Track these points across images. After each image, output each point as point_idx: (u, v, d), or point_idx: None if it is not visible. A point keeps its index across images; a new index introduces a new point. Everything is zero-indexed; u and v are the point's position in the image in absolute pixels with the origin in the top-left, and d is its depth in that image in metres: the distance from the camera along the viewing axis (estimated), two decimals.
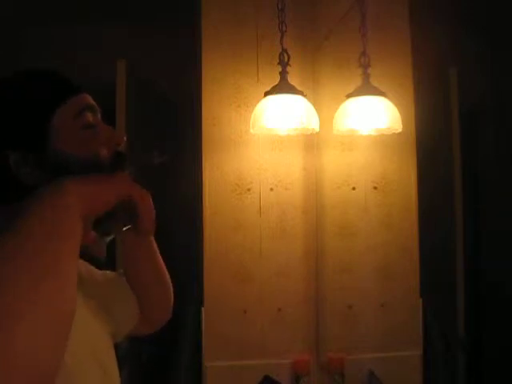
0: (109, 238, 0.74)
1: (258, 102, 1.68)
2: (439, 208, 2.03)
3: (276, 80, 1.65)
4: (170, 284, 1.00)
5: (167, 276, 0.99)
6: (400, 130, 1.70)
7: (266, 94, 1.66)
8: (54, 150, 0.75)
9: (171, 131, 2.02)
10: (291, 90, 1.64)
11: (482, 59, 2.09)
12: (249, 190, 1.81)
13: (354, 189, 1.85)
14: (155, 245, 0.95)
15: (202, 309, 1.77)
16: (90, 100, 0.82)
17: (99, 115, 0.83)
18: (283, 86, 1.64)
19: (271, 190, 1.82)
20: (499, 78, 2.12)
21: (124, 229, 0.76)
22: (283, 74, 1.65)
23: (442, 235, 2.05)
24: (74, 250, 0.56)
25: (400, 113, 1.69)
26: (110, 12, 1.98)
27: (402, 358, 1.83)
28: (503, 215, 2.05)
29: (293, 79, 1.66)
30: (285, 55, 1.65)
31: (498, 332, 2.01)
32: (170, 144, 2.06)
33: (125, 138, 0.83)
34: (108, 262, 0.89)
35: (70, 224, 0.57)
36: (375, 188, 1.85)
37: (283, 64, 1.65)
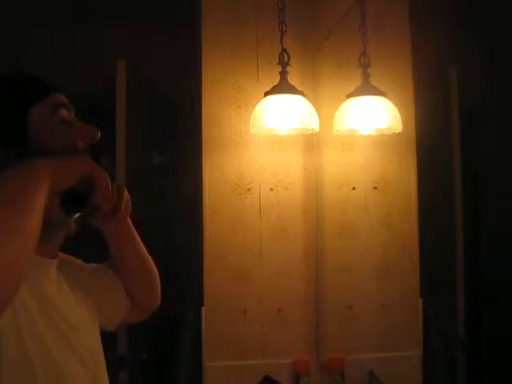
0: (74, 216, 0.80)
1: (258, 102, 1.68)
2: (439, 208, 2.03)
3: (276, 80, 1.65)
4: (155, 269, 1.06)
5: (151, 262, 1.05)
6: (400, 130, 1.70)
7: (266, 93, 1.66)
8: (33, 142, 0.79)
9: (171, 131, 2.02)
10: (291, 90, 1.64)
11: (482, 59, 2.09)
12: (249, 190, 1.81)
13: (354, 189, 1.84)
14: (135, 232, 0.99)
15: (202, 309, 1.77)
16: (63, 99, 0.86)
17: (73, 114, 0.86)
18: (283, 86, 1.64)
19: (271, 190, 1.82)
20: (499, 78, 2.12)
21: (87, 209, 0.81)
22: (283, 74, 1.65)
23: (442, 235, 2.05)
24: (39, 203, 0.66)
25: (400, 113, 1.69)
26: (110, 12, 1.98)
27: (402, 358, 1.83)
28: (503, 215, 2.05)
29: (293, 79, 1.66)
30: (285, 55, 1.65)
31: (498, 332, 2.01)
32: (169, 144, 2.06)
33: (99, 133, 0.85)
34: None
35: (38, 183, 0.67)
36: (375, 188, 1.85)
37: (283, 64, 1.65)
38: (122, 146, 1.87)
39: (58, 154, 0.79)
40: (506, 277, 2.00)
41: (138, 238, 1.01)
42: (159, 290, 1.08)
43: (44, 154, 0.76)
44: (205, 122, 1.80)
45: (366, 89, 1.68)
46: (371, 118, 1.68)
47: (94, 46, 1.95)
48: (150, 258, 1.05)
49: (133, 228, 0.98)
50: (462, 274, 2.02)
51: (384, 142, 1.82)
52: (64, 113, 0.83)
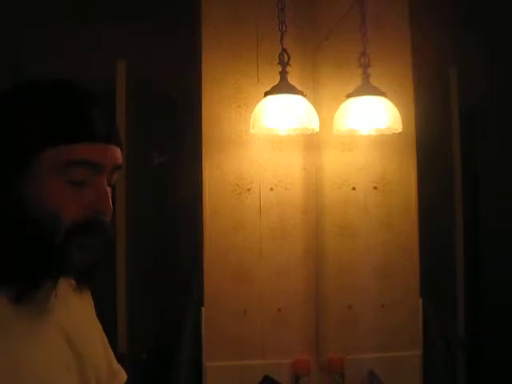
0: None
1: (258, 102, 1.68)
2: (439, 208, 2.03)
3: (276, 80, 1.65)
4: None
5: None
6: (400, 130, 1.70)
7: (266, 93, 1.66)
8: (24, 187, 0.69)
9: (171, 131, 2.02)
10: (291, 90, 1.64)
11: (482, 59, 2.09)
12: (249, 189, 1.81)
13: (354, 189, 1.84)
14: None
15: (202, 309, 1.77)
16: (100, 154, 0.72)
17: (107, 179, 0.74)
18: (283, 86, 1.64)
19: (271, 189, 1.82)
20: (499, 78, 2.12)
21: None
22: (283, 74, 1.65)
23: (442, 235, 2.05)
24: None
25: (400, 113, 1.69)
26: (110, 12, 1.98)
27: (402, 358, 1.83)
28: (503, 215, 2.05)
29: (293, 79, 1.66)
30: (285, 55, 1.65)
31: (498, 332, 2.01)
32: (169, 144, 2.06)
33: (110, 208, 0.73)
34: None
35: None
36: (375, 188, 1.85)
37: (283, 64, 1.65)
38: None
39: (29, 225, 0.69)
40: (506, 277, 2.00)
41: None
42: None
43: (17, 210, 0.69)
44: (205, 122, 1.80)
45: (366, 89, 1.68)
46: (371, 118, 1.68)
47: (94, 46, 1.95)
48: None
49: None
50: (462, 273, 2.02)
51: (384, 142, 1.82)
52: (80, 173, 0.70)
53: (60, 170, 0.70)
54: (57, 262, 0.71)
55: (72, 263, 0.72)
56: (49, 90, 0.73)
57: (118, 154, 0.75)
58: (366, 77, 1.69)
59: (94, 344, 0.87)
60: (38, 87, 0.73)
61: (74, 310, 0.85)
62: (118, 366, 0.98)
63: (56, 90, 0.73)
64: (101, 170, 0.73)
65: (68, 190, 0.70)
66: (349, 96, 1.70)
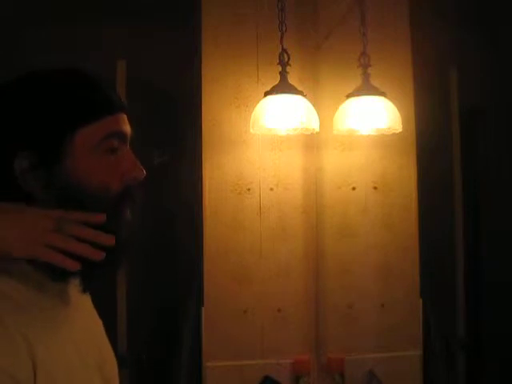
0: None
1: (258, 102, 1.68)
2: (439, 208, 2.03)
3: (276, 80, 1.65)
4: None
5: None
6: (400, 129, 1.70)
7: (266, 93, 1.66)
8: (66, 169, 0.72)
9: (171, 131, 2.02)
10: (291, 90, 1.64)
11: (482, 59, 2.09)
12: (249, 189, 1.81)
13: (354, 189, 1.84)
14: None
15: (202, 309, 1.77)
16: (124, 125, 0.77)
17: (128, 143, 0.79)
18: (283, 86, 1.64)
19: (271, 189, 1.82)
20: (499, 78, 2.12)
21: None
22: (283, 74, 1.65)
23: (442, 235, 2.05)
24: None
25: (400, 113, 1.69)
26: (110, 12, 1.98)
27: (402, 358, 1.83)
28: (503, 215, 2.06)
29: (293, 79, 1.66)
30: (285, 55, 1.65)
31: (498, 332, 2.01)
32: (169, 144, 2.06)
33: (144, 173, 0.78)
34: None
35: None
36: (375, 188, 1.85)
37: (283, 64, 1.65)
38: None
39: (88, 198, 0.72)
40: (506, 277, 2.00)
41: None
42: None
43: (70, 190, 0.72)
44: (205, 122, 1.80)
45: (366, 89, 1.68)
46: (371, 118, 1.68)
47: (94, 46, 1.95)
48: None
49: None
50: (462, 273, 2.02)
51: (384, 142, 1.82)
52: (114, 142, 0.75)
53: (96, 145, 0.73)
54: (111, 230, 0.73)
55: (122, 229, 0.76)
56: (64, 75, 0.76)
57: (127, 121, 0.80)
58: (366, 77, 1.69)
59: (107, 343, 0.87)
60: (56, 75, 0.76)
61: (85, 306, 0.86)
62: None
63: (69, 74, 0.76)
64: (125, 139, 0.77)
65: (106, 162, 0.74)
66: (349, 96, 1.70)
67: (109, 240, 0.72)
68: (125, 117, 0.78)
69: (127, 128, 0.78)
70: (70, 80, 0.75)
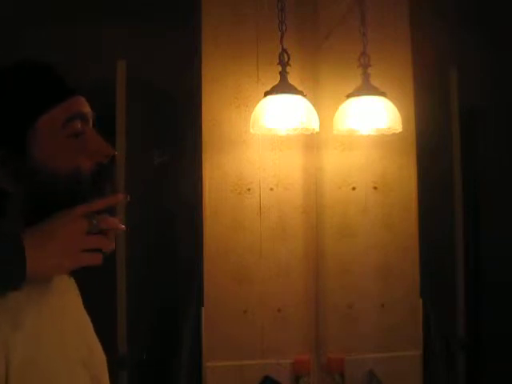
0: None
1: (258, 102, 1.68)
2: (439, 208, 2.03)
3: (276, 80, 1.65)
4: None
5: None
6: (400, 129, 1.70)
7: (266, 93, 1.66)
8: (34, 158, 0.73)
9: (171, 131, 2.02)
10: (291, 90, 1.64)
11: (482, 59, 2.09)
12: (249, 189, 1.81)
13: (354, 189, 1.84)
14: None
15: (202, 309, 1.77)
16: (83, 106, 0.78)
17: (91, 123, 0.79)
18: (283, 86, 1.64)
19: (271, 189, 1.82)
20: (499, 77, 2.12)
21: None
22: (283, 74, 1.65)
23: (442, 235, 2.05)
24: None
25: (400, 113, 1.69)
26: (110, 12, 1.98)
27: (402, 358, 1.83)
28: (503, 215, 2.06)
29: (293, 79, 1.66)
30: (285, 55, 1.65)
31: (498, 332, 2.01)
32: (169, 144, 2.06)
33: (114, 150, 0.79)
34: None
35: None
36: (375, 188, 1.85)
37: (283, 64, 1.65)
38: (122, 146, 1.87)
39: (62, 180, 0.73)
40: (506, 277, 2.00)
41: None
42: None
43: (43, 176, 0.72)
44: (205, 122, 1.80)
45: (366, 89, 1.68)
46: (371, 118, 1.68)
47: (94, 46, 1.95)
48: None
49: None
50: (462, 274, 2.02)
51: (384, 142, 1.82)
52: (77, 125, 0.76)
53: (59, 130, 0.74)
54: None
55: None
56: (14, 69, 0.77)
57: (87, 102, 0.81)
58: (366, 77, 1.69)
59: (96, 341, 0.87)
60: (6, 71, 0.77)
61: (72, 300, 0.86)
62: None
63: (19, 67, 0.78)
64: (87, 119, 0.78)
65: (72, 145, 0.75)
66: (349, 96, 1.70)
67: (122, 226, 0.75)
68: (81, 99, 0.78)
69: (87, 109, 0.79)
70: (21, 72, 0.76)
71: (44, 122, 0.74)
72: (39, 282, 0.75)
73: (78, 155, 0.75)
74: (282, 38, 1.66)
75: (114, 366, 1.76)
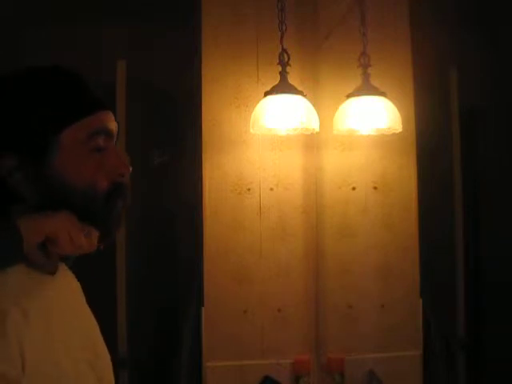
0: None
1: (258, 102, 1.68)
2: (439, 208, 2.03)
3: (276, 80, 1.65)
4: None
5: None
6: (400, 129, 1.70)
7: (266, 93, 1.66)
8: (52, 169, 0.73)
9: (171, 131, 2.02)
10: (291, 90, 1.64)
11: (482, 59, 2.09)
12: (249, 189, 1.81)
13: (354, 189, 1.84)
14: None
15: (202, 309, 1.77)
16: (109, 121, 0.78)
17: (115, 139, 0.80)
18: (283, 86, 1.64)
19: (271, 189, 1.82)
20: (499, 77, 2.12)
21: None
22: (283, 74, 1.65)
23: (442, 235, 2.05)
24: None
25: (400, 113, 1.69)
26: (110, 12, 1.98)
27: (402, 358, 1.83)
28: (503, 215, 2.06)
29: (293, 79, 1.66)
30: (285, 55, 1.65)
31: (498, 332, 2.01)
32: (170, 144, 2.06)
33: (130, 169, 0.79)
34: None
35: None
36: (375, 188, 1.85)
37: (283, 64, 1.65)
38: (122, 146, 1.87)
39: (77, 195, 0.74)
40: (505, 277, 2.00)
41: None
42: None
43: (59, 188, 0.73)
44: (205, 122, 1.80)
45: (366, 89, 1.68)
46: (371, 118, 1.68)
47: (94, 46, 1.95)
48: None
49: None
50: (462, 274, 2.02)
51: (384, 142, 1.82)
52: (100, 140, 0.76)
53: (82, 143, 0.74)
54: (100, 227, 0.77)
55: (111, 235, 0.80)
56: (45, 75, 0.77)
57: (113, 117, 0.80)
58: (366, 77, 1.69)
59: (102, 341, 0.87)
60: (38, 74, 0.76)
61: (77, 298, 0.87)
62: None
63: (52, 73, 0.77)
64: (112, 135, 0.78)
65: (94, 160, 0.75)
66: (349, 96, 1.70)
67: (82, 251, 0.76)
68: (109, 114, 0.78)
69: (113, 125, 0.78)
70: (53, 80, 0.76)
71: (68, 134, 0.74)
72: (50, 283, 0.76)
73: (96, 172, 0.75)
74: (282, 37, 1.66)
75: (115, 365, 1.75)
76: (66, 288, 0.82)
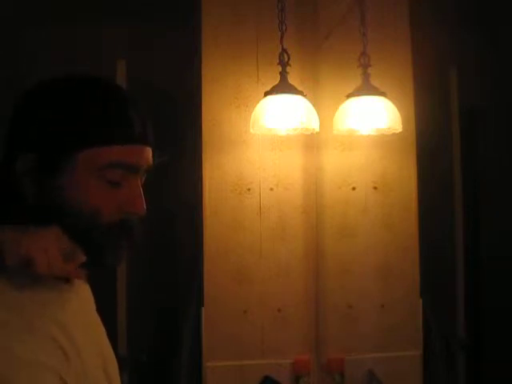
0: None
1: (258, 102, 1.68)
2: (439, 208, 2.03)
3: (276, 80, 1.65)
4: None
5: None
6: (400, 129, 1.70)
7: (266, 93, 1.66)
8: (61, 182, 0.71)
9: (171, 131, 2.02)
10: (291, 90, 1.64)
11: (482, 59, 2.09)
12: (249, 189, 1.81)
13: (354, 189, 1.84)
14: None
15: (202, 309, 1.77)
16: (136, 158, 0.74)
17: (142, 177, 0.77)
18: (283, 86, 1.64)
19: (271, 189, 1.82)
20: (499, 78, 2.12)
21: None
22: (283, 74, 1.65)
23: (442, 235, 2.05)
24: None
25: (400, 113, 1.69)
26: (110, 12, 1.98)
27: (402, 358, 1.83)
28: (503, 215, 2.06)
29: (293, 79, 1.66)
30: (285, 55, 1.65)
31: (498, 332, 2.01)
32: (170, 144, 2.06)
33: (144, 210, 0.75)
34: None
35: None
36: (375, 188, 1.85)
37: (283, 64, 1.65)
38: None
39: (77, 219, 0.71)
40: (505, 277, 2.00)
41: None
42: None
43: (60, 206, 0.71)
44: (205, 122, 1.80)
45: (366, 89, 1.68)
46: (371, 118, 1.68)
47: (94, 46, 1.95)
48: None
49: None
50: (462, 274, 2.02)
51: (384, 142, 1.82)
52: (114, 174, 0.72)
53: (98, 170, 0.71)
54: (93, 256, 0.73)
55: (106, 264, 0.76)
56: (87, 88, 0.74)
57: (150, 154, 0.78)
58: (366, 77, 1.69)
59: (108, 343, 0.87)
60: (77, 85, 0.74)
61: (84, 303, 0.86)
62: None
63: (95, 88, 0.74)
64: (136, 171, 0.75)
65: (106, 190, 0.72)
66: (349, 96, 1.70)
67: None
68: (144, 149, 0.75)
69: (141, 161, 0.75)
70: (97, 95, 0.73)
71: (86, 156, 0.71)
72: (67, 290, 0.75)
73: (105, 202, 0.72)
74: (281, 37, 1.66)
75: None
76: (80, 293, 0.81)
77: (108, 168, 0.71)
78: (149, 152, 0.77)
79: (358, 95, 1.68)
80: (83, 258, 0.72)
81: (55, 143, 0.71)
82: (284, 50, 1.65)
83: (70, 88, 0.74)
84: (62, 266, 0.69)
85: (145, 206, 0.76)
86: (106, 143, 0.71)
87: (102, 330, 0.87)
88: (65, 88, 0.74)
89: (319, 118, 1.66)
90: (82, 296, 0.83)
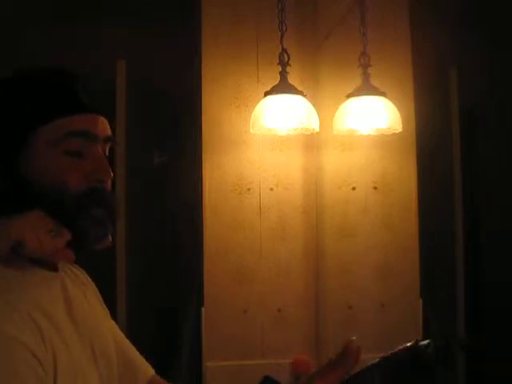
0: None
1: (258, 102, 1.68)
2: (439, 208, 2.03)
3: (276, 80, 1.65)
4: None
5: None
6: (400, 129, 1.70)
7: (266, 93, 1.66)
8: (23, 164, 0.73)
9: (171, 131, 2.02)
10: (291, 90, 1.63)
11: (482, 59, 2.09)
12: (249, 189, 1.81)
13: (354, 189, 1.84)
14: None
15: (202, 309, 1.77)
16: (93, 126, 0.76)
17: (102, 145, 0.77)
18: (283, 86, 1.64)
19: (271, 189, 1.82)
20: (499, 78, 2.12)
21: None
22: (283, 74, 1.65)
23: (442, 235, 2.05)
24: None
25: (400, 113, 1.69)
26: (110, 12, 1.98)
27: None
28: (503, 215, 2.06)
29: (293, 79, 1.66)
30: (285, 55, 1.65)
31: (498, 332, 2.01)
32: (169, 144, 2.06)
33: (111, 175, 0.77)
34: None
35: None
36: (375, 188, 1.85)
37: (283, 64, 1.65)
38: (122, 146, 1.87)
39: (46, 195, 0.72)
40: (506, 277, 2.00)
41: None
42: None
43: (28, 187, 0.72)
44: (205, 122, 1.80)
45: (366, 89, 1.68)
46: (371, 118, 1.68)
47: (94, 45, 1.95)
48: None
49: None
50: (462, 274, 2.02)
51: (384, 142, 1.82)
52: (74, 143, 0.74)
53: (57, 143, 0.73)
54: (75, 232, 0.74)
55: (89, 240, 0.76)
56: (33, 73, 0.77)
57: (107, 124, 0.79)
58: (366, 77, 1.69)
59: (105, 337, 0.86)
60: (24, 73, 0.78)
61: (79, 291, 0.86)
62: (140, 360, 1.04)
63: (39, 72, 0.78)
64: (95, 140, 0.76)
65: (67, 161, 0.74)
66: (349, 96, 1.70)
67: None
68: (97, 118, 0.77)
69: (96, 129, 0.76)
70: (41, 79, 0.76)
71: (42, 133, 0.73)
72: (54, 279, 0.77)
73: (68, 174, 0.74)
74: (281, 37, 1.66)
75: None
76: (71, 282, 0.82)
77: (65, 139, 0.73)
78: (103, 122, 0.78)
79: (358, 95, 1.68)
80: (69, 235, 0.73)
81: (11, 129, 0.73)
82: (284, 50, 1.65)
83: (20, 77, 0.77)
84: (51, 243, 0.71)
85: (110, 171, 0.77)
86: (57, 116, 0.73)
87: (101, 320, 0.87)
88: (16, 78, 0.77)
89: (319, 117, 1.66)
90: (76, 284, 0.84)
